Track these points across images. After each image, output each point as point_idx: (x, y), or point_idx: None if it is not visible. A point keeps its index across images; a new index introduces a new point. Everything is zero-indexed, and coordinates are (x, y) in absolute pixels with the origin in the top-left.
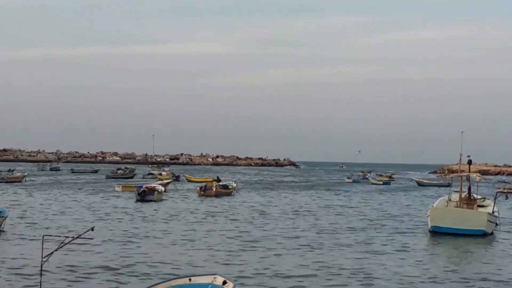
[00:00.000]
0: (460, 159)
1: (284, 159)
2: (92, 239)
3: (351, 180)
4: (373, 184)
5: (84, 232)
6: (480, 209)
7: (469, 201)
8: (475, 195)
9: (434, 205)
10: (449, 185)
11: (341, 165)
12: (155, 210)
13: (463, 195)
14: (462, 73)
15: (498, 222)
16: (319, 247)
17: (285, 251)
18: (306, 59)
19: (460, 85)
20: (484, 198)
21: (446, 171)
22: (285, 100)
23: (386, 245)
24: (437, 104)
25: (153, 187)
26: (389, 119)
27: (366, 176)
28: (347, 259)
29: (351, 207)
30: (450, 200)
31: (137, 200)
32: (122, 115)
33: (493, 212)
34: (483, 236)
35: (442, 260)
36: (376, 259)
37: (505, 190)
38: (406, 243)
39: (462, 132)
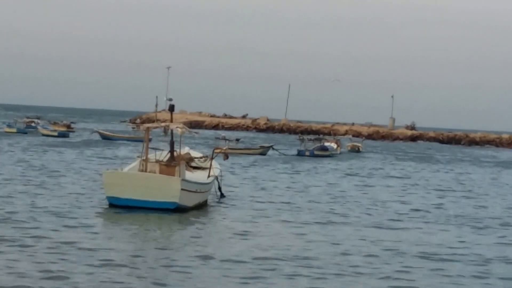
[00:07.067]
0: (157, 105)
1: None
2: None
3: (15, 130)
4: (44, 135)
5: None
6: (199, 172)
7: (169, 163)
8: (193, 153)
9: (127, 168)
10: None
11: None
12: None
13: (161, 154)
14: None
15: (220, 192)
16: None
17: None
18: None
19: None
20: (207, 157)
21: (138, 120)
22: None
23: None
24: None
25: None
26: None
27: (33, 124)
28: None
29: None
30: (145, 161)
31: None
32: None
33: (209, 176)
34: (176, 211)
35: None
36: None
37: (224, 149)
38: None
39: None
